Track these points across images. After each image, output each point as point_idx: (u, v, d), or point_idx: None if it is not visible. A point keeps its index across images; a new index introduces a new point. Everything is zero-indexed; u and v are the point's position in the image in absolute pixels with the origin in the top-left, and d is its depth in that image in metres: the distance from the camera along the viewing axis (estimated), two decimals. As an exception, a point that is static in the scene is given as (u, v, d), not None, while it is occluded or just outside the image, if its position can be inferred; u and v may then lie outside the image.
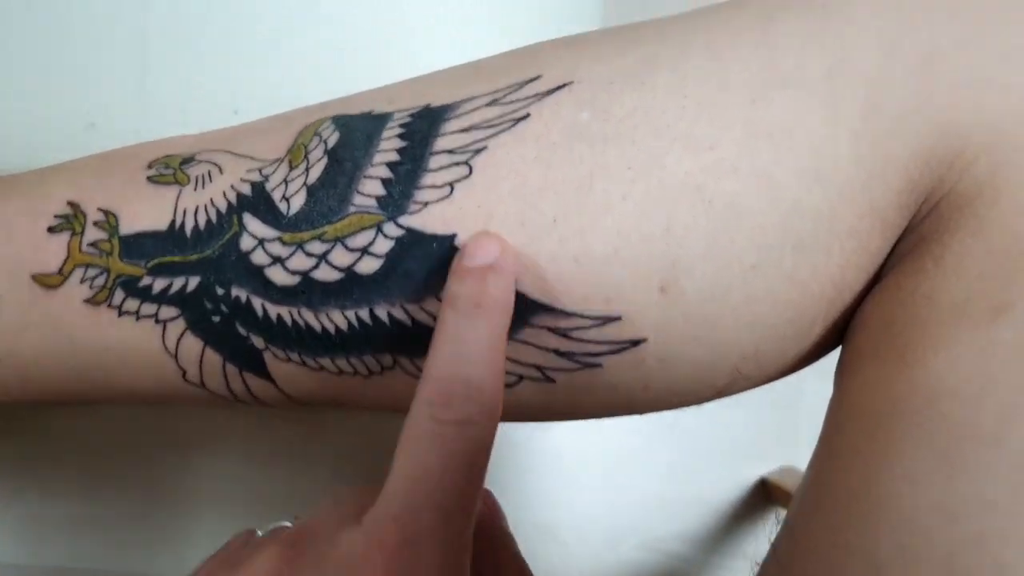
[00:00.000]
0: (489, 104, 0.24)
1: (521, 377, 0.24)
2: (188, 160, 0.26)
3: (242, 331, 0.25)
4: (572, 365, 0.24)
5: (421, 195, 0.23)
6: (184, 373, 0.26)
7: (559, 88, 0.24)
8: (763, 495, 0.71)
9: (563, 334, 0.23)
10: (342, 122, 0.25)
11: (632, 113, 0.23)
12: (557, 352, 0.23)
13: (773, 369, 0.25)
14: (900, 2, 0.22)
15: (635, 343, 0.23)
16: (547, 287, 0.23)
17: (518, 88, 0.24)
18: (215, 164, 0.26)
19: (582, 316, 0.23)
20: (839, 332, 0.25)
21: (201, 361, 0.26)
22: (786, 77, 0.22)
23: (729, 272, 0.22)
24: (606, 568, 0.71)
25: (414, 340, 0.24)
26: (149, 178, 0.26)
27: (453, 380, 0.21)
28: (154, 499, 0.43)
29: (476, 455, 0.20)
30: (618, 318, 0.23)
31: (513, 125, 0.23)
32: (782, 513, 0.70)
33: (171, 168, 0.26)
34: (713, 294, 0.22)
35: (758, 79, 0.22)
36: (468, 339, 0.21)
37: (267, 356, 0.25)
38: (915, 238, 0.22)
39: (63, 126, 0.30)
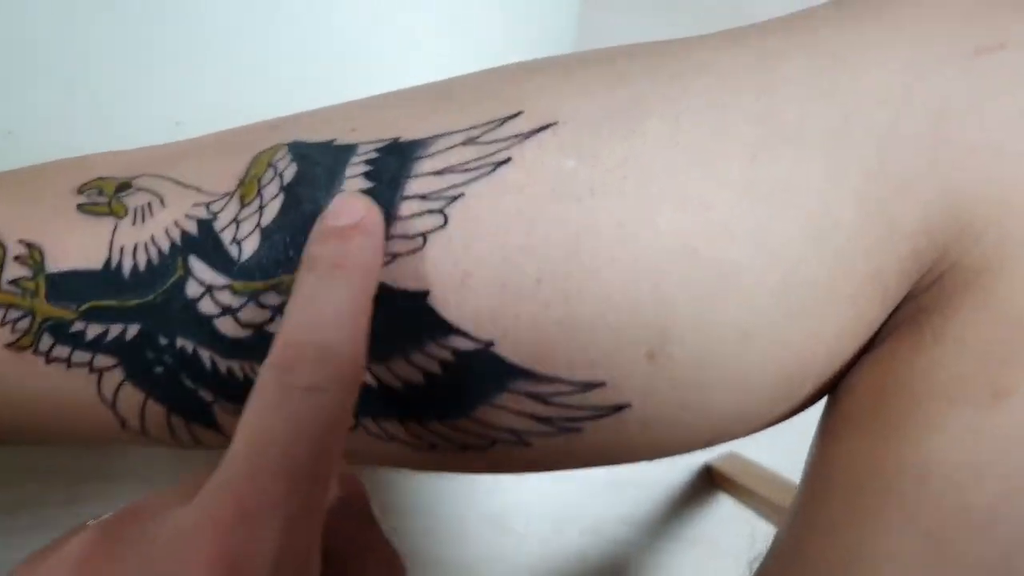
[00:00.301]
0: (465, 143, 0.22)
1: (495, 441, 0.22)
2: (124, 187, 0.24)
3: (189, 384, 0.23)
4: (550, 430, 0.22)
5: (390, 245, 0.21)
6: (123, 422, 0.24)
7: (542, 129, 0.22)
8: (707, 480, 0.72)
9: (543, 400, 0.21)
10: (300, 152, 0.23)
11: (622, 163, 0.21)
12: (535, 417, 0.22)
13: (759, 424, 0.24)
14: (911, 55, 0.21)
15: (618, 408, 0.22)
16: (527, 351, 0.21)
17: (497, 126, 0.22)
18: (156, 195, 0.23)
19: (564, 382, 0.21)
20: (829, 388, 0.24)
21: (143, 412, 0.24)
22: (788, 131, 0.21)
23: (720, 339, 0.21)
24: (553, 553, 0.71)
25: (379, 401, 0.22)
26: (80, 207, 0.24)
27: (304, 344, 0.18)
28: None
29: (329, 425, 0.18)
30: (602, 384, 0.21)
31: (492, 170, 0.21)
32: (725, 498, 0.72)
33: (105, 196, 0.24)
34: (702, 361, 0.21)
35: (758, 132, 0.21)
36: (324, 301, 0.19)
37: (216, 408, 0.23)
38: (914, 307, 0.21)
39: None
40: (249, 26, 0.27)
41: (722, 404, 0.22)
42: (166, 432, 0.24)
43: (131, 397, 0.23)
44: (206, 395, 0.23)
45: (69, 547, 0.18)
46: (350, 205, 0.21)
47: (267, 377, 0.18)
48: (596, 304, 0.21)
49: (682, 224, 0.20)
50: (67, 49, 0.27)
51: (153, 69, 0.27)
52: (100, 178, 0.24)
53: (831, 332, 0.21)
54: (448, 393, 0.21)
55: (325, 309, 0.19)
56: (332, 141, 0.23)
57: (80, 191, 0.24)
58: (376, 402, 0.22)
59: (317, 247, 0.20)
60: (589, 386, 0.21)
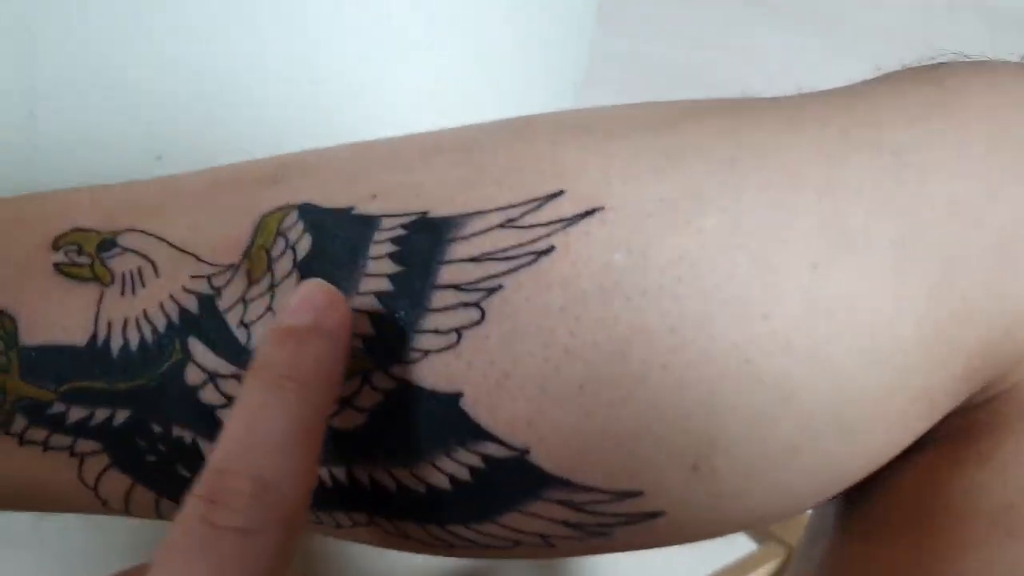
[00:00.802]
0: (503, 225, 0.20)
1: (518, 543, 0.21)
2: (108, 244, 0.21)
3: (185, 474, 0.21)
4: (579, 535, 0.21)
5: (421, 340, 0.19)
6: (105, 503, 0.22)
7: (588, 214, 0.20)
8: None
9: (576, 507, 0.20)
10: (313, 219, 0.21)
11: (676, 262, 0.19)
12: (565, 523, 0.20)
13: (787, 518, 0.23)
14: (982, 162, 0.20)
15: (652, 515, 0.20)
16: (565, 460, 0.19)
17: (537, 206, 0.20)
18: (147, 259, 0.21)
19: (600, 491, 0.20)
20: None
21: (128, 496, 0.21)
22: (852, 239, 0.19)
23: (767, 453, 0.20)
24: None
25: (400, 506, 0.20)
26: (57, 266, 0.21)
27: (238, 475, 0.16)
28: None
29: (265, 572, 0.16)
30: (640, 493, 0.20)
31: (534, 260, 0.19)
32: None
33: (86, 256, 0.21)
34: (746, 473, 0.20)
35: (821, 238, 0.19)
36: (268, 419, 0.17)
37: (213, 498, 0.21)
38: (961, 424, 0.21)
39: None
40: (234, 55, 0.24)
41: (756, 511, 0.21)
42: (152, 513, 0.22)
43: (116, 482, 0.21)
44: (202, 485, 0.21)
45: None
46: (312, 297, 0.18)
47: (191, 511, 0.16)
48: (643, 413, 0.19)
49: (738, 333, 0.19)
50: (28, 68, 0.23)
51: (132, 99, 0.24)
52: (78, 229, 0.22)
53: (877, 447, 0.21)
54: (475, 500, 0.20)
55: (269, 432, 0.17)
56: (350, 209, 0.21)
57: (55, 245, 0.21)
58: (394, 505, 0.20)
59: (269, 352, 0.18)
60: (626, 495, 0.20)
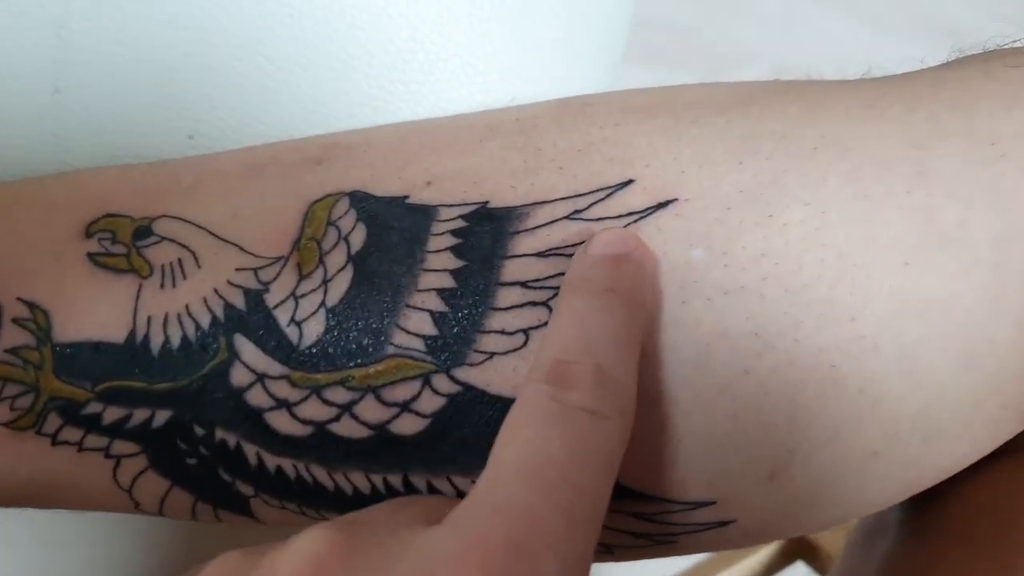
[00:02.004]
0: (570, 216, 0.19)
1: (580, 551, 0.20)
2: (143, 232, 0.20)
3: (226, 478, 0.19)
4: (644, 543, 0.20)
5: (486, 342, 0.18)
6: (138, 505, 0.21)
7: (661, 206, 0.19)
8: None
9: (645, 518, 0.19)
10: (366, 209, 0.19)
11: (759, 260, 0.18)
12: (632, 534, 0.19)
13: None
14: None
15: (723, 524, 0.19)
16: (639, 471, 0.18)
17: (606, 196, 0.19)
18: (188, 250, 0.19)
19: (673, 502, 0.19)
20: None
21: (164, 498, 0.20)
22: (946, 235, 0.18)
23: (847, 460, 0.19)
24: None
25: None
26: (91, 256, 0.19)
27: (581, 364, 0.16)
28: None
29: (612, 458, 0.16)
30: (713, 503, 0.19)
31: (606, 256, 0.18)
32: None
33: (122, 245, 0.20)
34: (824, 480, 0.19)
35: (912, 234, 0.18)
36: (598, 324, 0.17)
37: (255, 502, 0.20)
38: None
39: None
40: (271, 30, 0.23)
41: (828, 516, 0.20)
42: (188, 515, 0.21)
43: (153, 485, 0.20)
44: (245, 489, 0.20)
45: (301, 545, 0.15)
46: (620, 237, 0.18)
47: (538, 393, 0.16)
48: (723, 422, 0.18)
49: (824, 337, 0.18)
50: (55, 42, 0.22)
51: (163, 74, 0.22)
52: (110, 215, 0.20)
53: (960, 454, 0.19)
54: None
55: (599, 331, 0.17)
56: (404, 197, 0.19)
57: (88, 233, 0.20)
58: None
59: (587, 270, 0.18)
60: (699, 505, 0.19)
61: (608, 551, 0.20)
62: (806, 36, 0.79)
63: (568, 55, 0.27)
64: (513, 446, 0.15)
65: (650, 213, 0.18)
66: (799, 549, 0.53)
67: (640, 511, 0.19)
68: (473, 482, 0.19)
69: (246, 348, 0.18)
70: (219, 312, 0.19)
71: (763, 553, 0.53)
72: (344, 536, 0.15)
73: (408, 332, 0.18)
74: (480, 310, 0.18)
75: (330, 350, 0.18)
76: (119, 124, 0.22)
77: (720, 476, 0.19)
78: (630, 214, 0.19)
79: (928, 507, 0.22)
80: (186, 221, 0.20)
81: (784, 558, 0.53)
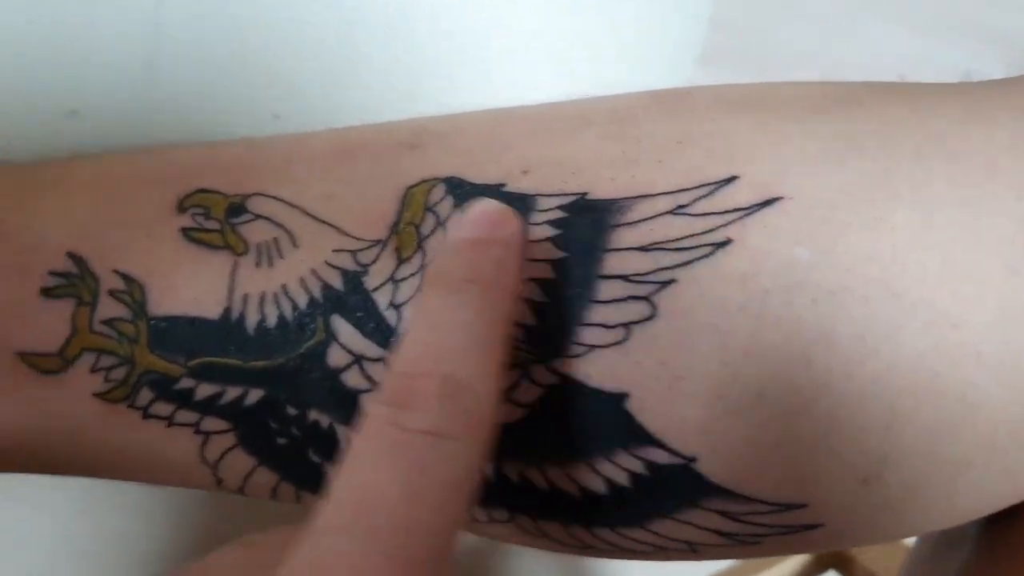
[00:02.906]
0: (673, 211, 0.18)
1: (662, 549, 0.20)
2: (237, 210, 0.20)
3: (315, 459, 0.19)
4: (729, 543, 0.20)
5: (586, 334, 0.18)
6: (220, 482, 0.21)
7: (766, 204, 0.18)
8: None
9: (733, 518, 0.19)
10: (463, 195, 0.19)
11: (864, 263, 0.18)
12: (719, 532, 0.19)
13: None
14: None
15: (809, 527, 0.19)
16: (732, 470, 0.18)
17: (710, 192, 0.19)
18: (283, 229, 0.19)
19: (763, 502, 0.19)
20: None
21: (248, 476, 0.20)
22: None
23: (940, 468, 0.18)
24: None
25: (547, 506, 0.19)
26: (186, 232, 0.19)
27: (426, 377, 0.15)
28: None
29: (456, 486, 0.14)
30: (803, 506, 0.19)
31: (711, 252, 0.18)
32: None
33: (215, 221, 0.20)
34: (915, 488, 0.19)
35: (1020, 242, 0.18)
36: (452, 324, 0.16)
37: (340, 484, 0.20)
38: None
39: (36, 112, 0.22)
40: (359, 10, 0.23)
41: (914, 524, 0.20)
42: (268, 494, 0.21)
43: (239, 462, 0.20)
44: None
45: None
46: (481, 216, 0.17)
47: (376, 416, 0.15)
48: (821, 424, 0.18)
49: (926, 342, 0.18)
50: (146, 21, 0.22)
51: (253, 52, 0.22)
52: (202, 191, 0.20)
53: None
54: (630, 505, 0.19)
55: (453, 334, 0.16)
56: (501, 185, 0.19)
57: (181, 207, 0.20)
58: (541, 505, 0.19)
59: (444, 259, 0.17)
60: (789, 507, 0.19)
61: (692, 549, 0.20)
62: (859, 40, 0.78)
63: (650, 48, 0.27)
64: (345, 485, 0.14)
65: (756, 210, 0.18)
66: (832, 559, 0.52)
67: (728, 510, 0.19)
68: (567, 474, 0.19)
69: (344, 329, 0.18)
70: (317, 292, 0.19)
71: (795, 562, 0.53)
72: None
73: (507, 321, 0.18)
74: (580, 302, 0.18)
75: None
76: (207, 102, 0.22)
77: (813, 479, 0.18)
78: (735, 210, 0.18)
79: (1012, 520, 0.22)
80: (280, 200, 0.20)
81: (817, 568, 0.53)
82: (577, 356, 0.18)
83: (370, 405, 0.15)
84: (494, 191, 0.19)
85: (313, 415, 0.19)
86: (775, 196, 0.18)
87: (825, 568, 0.53)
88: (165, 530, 0.40)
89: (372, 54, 0.23)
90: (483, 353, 0.16)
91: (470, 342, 0.15)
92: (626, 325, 0.18)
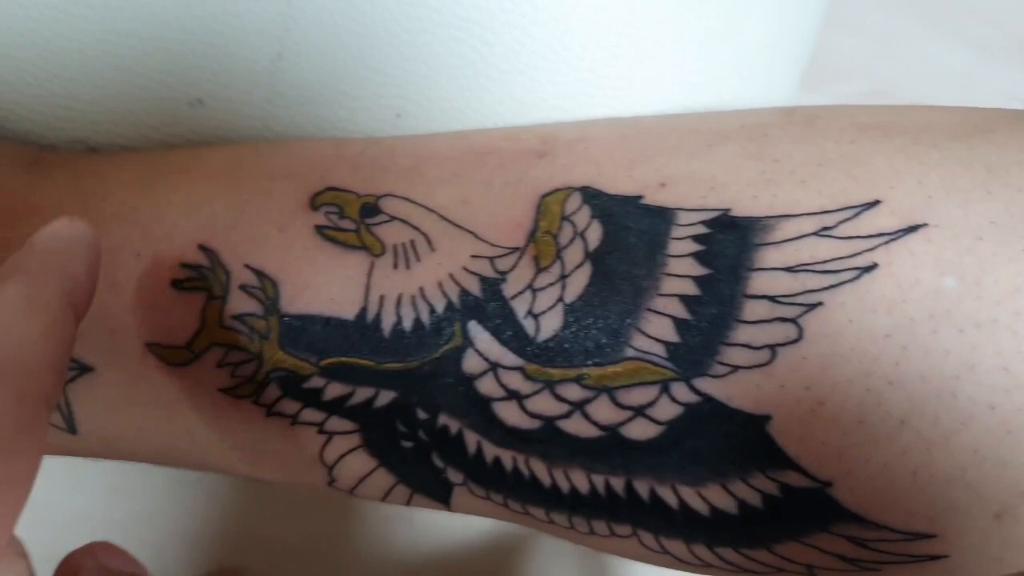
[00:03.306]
0: (818, 233, 0.18)
1: (781, 571, 0.20)
2: (371, 210, 0.19)
3: (439, 463, 0.19)
4: (849, 568, 0.19)
5: (730, 354, 0.18)
6: (333, 482, 0.21)
7: (910, 230, 0.18)
8: None
9: (861, 544, 0.19)
10: (600, 206, 0.19)
11: (1013, 295, 0.18)
12: (842, 558, 0.19)
13: None
14: None
15: (934, 558, 0.19)
16: (866, 498, 0.18)
17: (854, 215, 0.18)
18: (420, 232, 0.19)
19: (894, 531, 0.18)
20: None
21: (364, 478, 0.20)
22: None
23: None
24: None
25: (674, 522, 0.19)
26: (320, 230, 0.19)
27: None
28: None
29: None
30: (934, 536, 0.18)
31: (856, 277, 0.18)
32: None
33: (350, 220, 0.19)
34: None
35: None
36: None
37: (459, 490, 0.20)
38: None
39: (161, 100, 0.22)
40: (489, 13, 0.22)
41: None
42: (379, 496, 0.21)
43: (358, 464, 0.20)
44: (455, 477, 0.19)
45: None
46: (52, 223, 0.16)
47: None
48: (960, 456, 0.18)
49: None
50: (276, 18, 0.21)
51: (378, 49, 0.22)
52: (333, 189, 0.20)
53: None
54: (759, 527, 0.18)
55: None
56: (639, 197, 0.19)
57: (314, 205, 0.20)
58: (669, 522, 0.19)
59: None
60: (918, 537, 0.19)
61: (810, 572, 0.20)
62: (907, 56, 0.77)
63: (768, 65, 0.27)
64: None
65: (900, 236, 0.18)
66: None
67: (859, 536, 0.19)
68: (699, 493, 0.18)
69: (481, 336, 0.18)
70: (454, 297, 0.18)
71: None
72: None
73: (649, 336, 0.18)
74: (725, 321, 0.18)
75: (567, 346, 0.18)
76: (330, 96, 0.22)
77: (946, 511, 0.18)
78: (880, 235, 0.18)
79: None
80: (414, 203, 0.20)
81: None
82: (720, 376, 0.18)
83: None
84: (632, 203, 0.19)
85: (443, 419, 0.19)
86: (920, 223, 0.18)
87: None
88: (196, 512, 0.40)
89: (500, 58, 0.22)
90: (19, 319, 0.14)
91: (9, 315, 0.14)
92: (771, 347, 0.18)
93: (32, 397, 0.14)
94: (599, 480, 0.18)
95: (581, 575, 0.63)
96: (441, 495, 0.20)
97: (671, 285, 0.18)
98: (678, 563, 0.20)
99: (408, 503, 0.21)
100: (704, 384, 0.18)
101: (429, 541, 0.60)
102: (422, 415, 0.19)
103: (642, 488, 0.18)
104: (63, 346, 0.15)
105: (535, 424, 0.18)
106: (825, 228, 0.18)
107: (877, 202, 0.19)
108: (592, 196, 0.19)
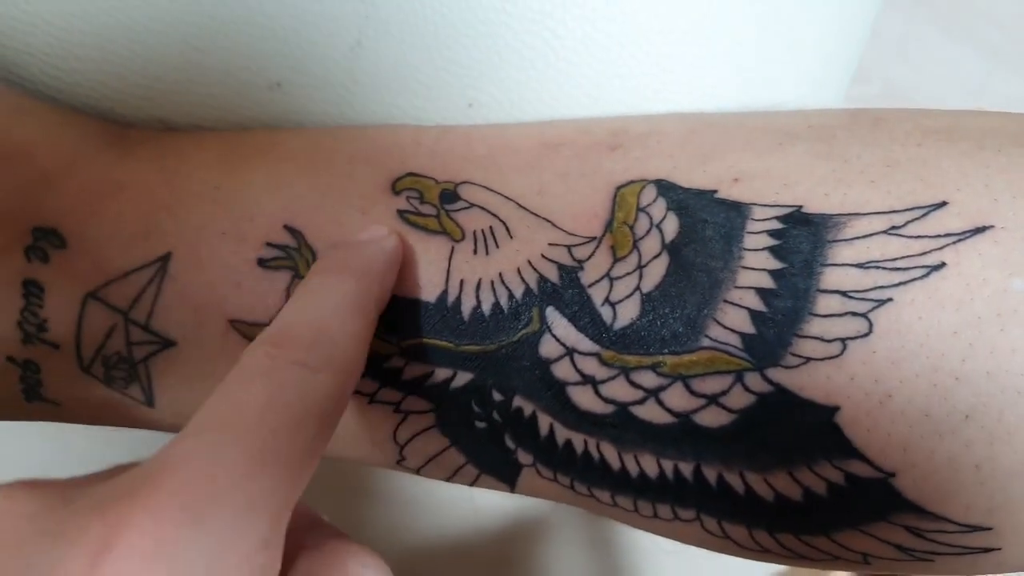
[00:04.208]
0: (888, 231, 0.19)
1: (838, 558, 0.20)
2: (450, 196, 0.20)
3: (510, 444, 0.20)
4: (904, 557, 0.20)
5: (803, 346, 0.18)
6: (402, 460, 0.21)
7: (977, 232, 0.19)
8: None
9: (919, 534, 0.19)
10: (676, 200, 0.20)
11: None
12: (899, 547, 0.20)
13: None
14: None
15: (987, 551, 0.20)
16: (928, 489, 0.19)
17: (922, 215, 0.19)
18: (498, 219, 0.20)
19: (952, 522, 0.19)
20: None
21: (434, 458, 0.21)
22: None
23: None
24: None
25: (738, 508, 0.19)
26: (402, 214, 0.20)
27: (300, 324, 0.17)
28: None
29: (316, 408, 0.15)
30: (990, 529, 0.19)
31: (926, 275, 0.18)
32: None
33: (430, 205, 0.20)
34: None
35: None
36: (325, 294, 0.18)
37: (527, 471, 0.20)
38: None
39: (240, 82, 0.22)
40: (562, 5, 0.23)
41: None
42: (446, 476, 0.21)
43: (430, 443, 0.20)
44: (524, 459, 0.20)
45: None
46: (371, 229, 0.20)
47: (254, 352, 0.16)
48: (1022, 452, 0.18)
49: None
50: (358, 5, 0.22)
51: (453, 39, 0.22)
52: (413, 175, 0.20)
53: None
54: (821, 514, 0.19)
55: (324, 300, 0.18)
56: (713, 192, 0.20)
57: (395, 189, 0.20)
58: (733, 508, 0.19)
59: (328, 254, 0.19)
60: (975, 529, 0.19)
61: (865, 561, 0.20)
62: (922, 61, 0.77)
63: (822, 65, 0.27)
64: (213, 400, 0.15)
65: (968, 237, 0.19)
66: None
67: (917, 527, 0.19)
68: (766, 480, 0.19)
69: (559, 322, 0.19)
70: (533, 283, 0.19)
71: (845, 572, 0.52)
72: (28, 493, 0.14)
73: (724, 327, 0.18)
74: (799, 314, 0.18)
75: (643, 334, 0.18)
76: (405, 84, 0.23)
77: (1004, 504, 0.19)
78: (947, 235, 0.19)
79: None
80: (492, 191, 0.20)
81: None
82: (792, 367, 0.18)
83: (249, 348, 0.16)
84: (707, 196, 0.20)
85: (518, 402, 0.19)
86: (987, 224, 0.19)
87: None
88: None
89: (571, 50, 0.23)
90: (348, 317, 0.17)
91: (338, 308, 0.17)
92: (843, 340, 0.18)
93: (348, 389, 0.16)
94: (668, 465, 0.19)
95: (590, 561, 0.63)
96: (509, 476, 0.21)
97: (747, 278, 0.19)
98: (737, 548, 0.21)
99: (473, 483, 0.21)
100: (777, 374, 0.18)
101: (442, 528, 0.60)
102: (497, 397, 0.19)
103: (710, 474, 0.19)
104: (367, 348, 0.18)
105: (608, 409, 0.19)
106: (894, 227, 0.19)
107: (944, 203, 0.19)
108: (667, 189, 0.20)
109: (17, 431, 0.47)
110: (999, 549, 0.20)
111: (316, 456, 0.15)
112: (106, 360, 0.20)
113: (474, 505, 0.61)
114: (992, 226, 0.19)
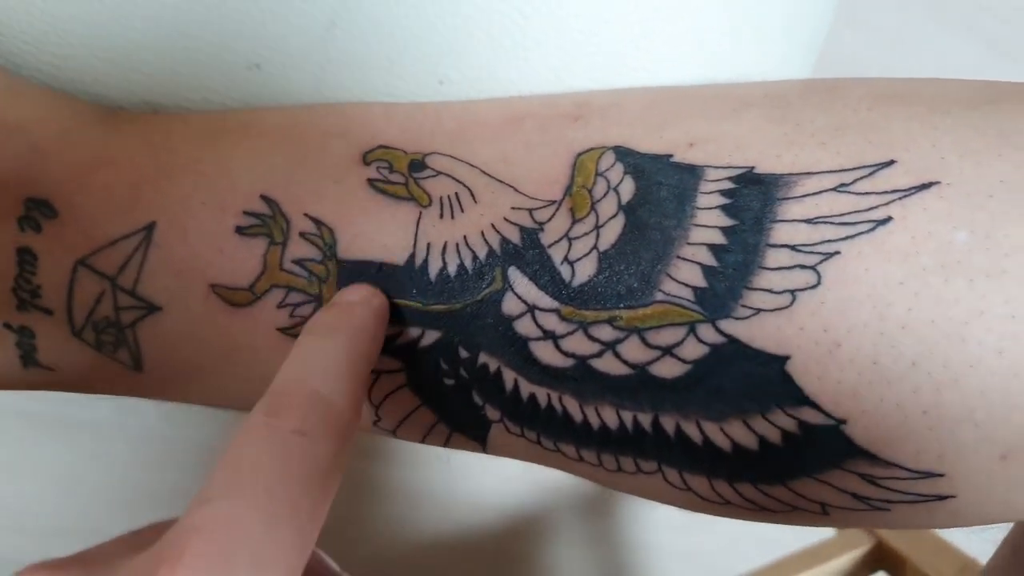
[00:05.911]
0: (836, 189, 0.20)
1: (796, 509, 0.21)
2: (418, 166, 0.21)
3: (478, 400, 0.21)
4: (861, 507, 0.21)
5: (753, 298, 0.19)
6: (378, 422, 0.22)
7: (923, 187, 0.19)
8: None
9: (872, 481, 0.20)
10: (632, 163, 0.20)
11: (1020, 248, 0.19)
12: (855, 495, 0.20)
13: None
14: None
15: (942, 498, 0.20)
16: (878, 435, 0.19)
17: (870, 173, 0.20)
18: (463, 185, 0.21)
19: (903, 468, 0.20)
20: None
21: (406, 419, 0.22)
22: None
23: None
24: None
25: (697, 459, 0.20)
26: (372, 182, 0.21)
27: (295, 392, 0.18)
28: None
29: (319, 474, 0.17)
30: (941, 475, 0.20)
31: (872, 228, 0.19)
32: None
33: (399, 174, 0.21)
34: None
35: None
36: (318, 356, 0.19)
37: (496, 428, 0.21)
38: None
39: (222, 64, 0.23)
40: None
41: None
42: (419, 436, 0.22)
43: (403, 403, 0.21)
44: (492, 414, 0.21)
45: None
46: (352, 289, 0.20)
47: (254, 420, 0.17)
48: (969, 398, 0.19)
49: None
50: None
51: (423, 21, 0.23)
52: (384, 147, 0.21)
53: None
54: (776, 462, 0.20)
55: (318, 362, 0.18)
56: (669, 156, 0.20)
57: (366, 161, 0.21)
58: (692, 458, 0.20)
59: (319, 315, 0.20)
60: (927, 475, 0.20)
61: (824, 511, 0.21)
62: (918, 52, 0.77)
63: (786, 42, 0.28)
64: (223, 468, 0.16)
65: (914, 192, 0.19)
66: (882, 559, 0.53)
67: (868, 473, 0.20)
68: (722, 429, 0.20)
69: (520, 280, 0.20)
70: (496, 245, 0.20)
71: (844, 559, 0.53)
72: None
73: (677, 282, 0.19)
74: (749, 267, 0.19)
75: (600, 290, 0.19)
76: (379, 63, 0.24)
77: (954, 450, 0.19)
78: (894, 191, 0.19)
79: None
80: (457, 159, 0.21)
81: (866, 568, 0.53)
82: (743, 318, 0.19)
83: (249, 417, 0.17)
84: (663, 160, 0.20)
85: (483, 358, 0.20)
86: (933, 181, 0.19)
87: (875, 569, 0.53)
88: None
89: (539, 30, 0.24)
90: (343, 378, 0.18)
91: (332, 369, 0.18)
92: (792, 292, 0.19)
93: (344, 448, 0.18)
94: (627, 416, 0.20)
95: (592, 559, 0.64)
96: (479, 433, 0.21)
97: (699, 235, 0.19)
98: (700, 501, 0.21)
99: (446, 444, 0.22)
100: (728, 326, 0.19)
101: (447, 523, 0.61)
102: (464, 354, 0.20)
103: (668, 424, 0.20)
104: (361, 407, 0.19)
105: (569, 363, 0.20)
106: (843, 184, 0.20)
107: (892, 162, 0.20)
108: (625, 154, 0.21)
109: (21, 432, 0.48)
110: (953, 496, 0.20)
111: (322, 513, 0.17)
112: (96, 325, 0.21)
113: (476, 501, 0.62)
114: (938, 182, 0.19)
